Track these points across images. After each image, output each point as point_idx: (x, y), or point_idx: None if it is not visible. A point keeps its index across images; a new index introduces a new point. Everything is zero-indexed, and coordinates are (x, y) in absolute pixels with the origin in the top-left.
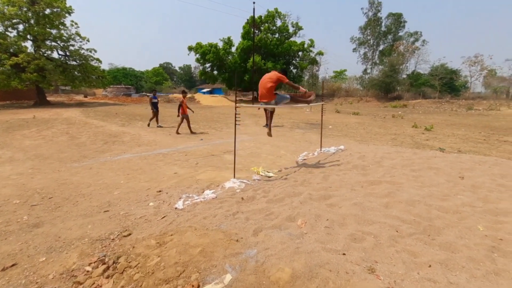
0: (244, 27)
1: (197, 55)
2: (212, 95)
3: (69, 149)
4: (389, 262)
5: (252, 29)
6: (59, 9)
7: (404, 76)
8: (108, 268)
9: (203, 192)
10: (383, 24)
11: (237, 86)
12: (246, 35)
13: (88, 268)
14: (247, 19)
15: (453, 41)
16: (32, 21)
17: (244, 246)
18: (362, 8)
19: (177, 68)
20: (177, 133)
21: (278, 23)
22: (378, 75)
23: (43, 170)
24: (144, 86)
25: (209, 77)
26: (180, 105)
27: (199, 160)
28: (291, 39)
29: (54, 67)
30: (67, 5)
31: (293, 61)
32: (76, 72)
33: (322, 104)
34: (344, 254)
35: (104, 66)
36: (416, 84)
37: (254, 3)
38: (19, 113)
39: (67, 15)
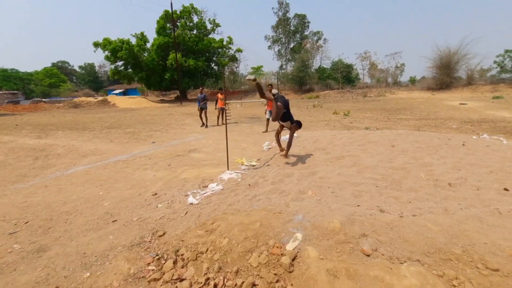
0: (158, 22)
1: (107, 52)
2: (128, 96)
3: None
4: (387, 204)
5: (171, 25)
6: None
7: (313, 70)
8: (176, 261)
9: (206, 186)
10: (291, 23)
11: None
12: (161, 30)
13: (152, 267)
14: (163, 14)
15: (348, 40)
16: None
17: (289, 215)
18: (272, 8)
19: (76, 68)
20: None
21: (195, 19)
22: (292, 70)
23: None
24: (35, 90)
25: (123, 77)
26: (217, 100)
27: (168, 162)
28: (210, 36)
29: None
30: None
31: (214, 58)
32: None
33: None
34: (358, 205)
35: None
36: (323, 78)
37: None
38: None
39: None
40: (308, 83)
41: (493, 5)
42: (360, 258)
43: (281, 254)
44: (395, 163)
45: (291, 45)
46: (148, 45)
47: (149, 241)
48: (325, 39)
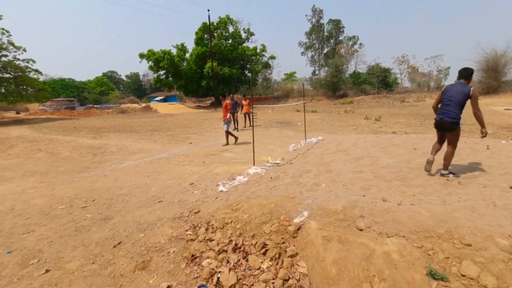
0: (197, 33)
1: (150, 63)
2: (168, 103)
3: (63, 163)
4: (392, 196)
5: (208, 36)
6: None
7: (347, 75)
8: (207, 229)
9: (234, 178)
10: (325, 29)
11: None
12: (199, 41)
13: (189, 233)
14: (201, 26)
15: (384, 43)
16: None
17: (301, 199)
18: (306, 15)
19: (123, 77)
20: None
21: (231, 29)
22: (326, 76)
23: (57, 183)
24: (88, 97)
25: (164, 85)
26: (242, 106)
27: (203, 160)
28: (244, 44)
29: None
30: None
31: (248, 66)
32: (13, 86)
33: (304, 103)
34: (364, 196)
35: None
36: (357, 82)
37: (208, 10)
38: None
39: None
40: (341, 88)
41: None
42: (353, 231)
43: (289, 225)
44: (413, 164)
45: (325, 51)
46: (187, 55)
47: (187, 216)
48: (360, 44)
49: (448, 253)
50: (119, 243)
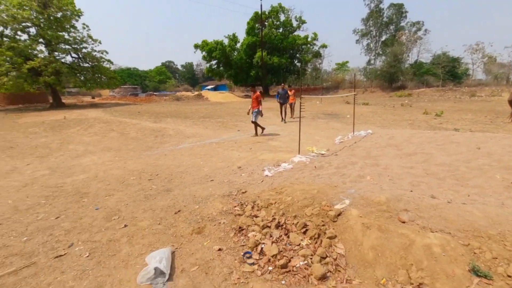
0: (248, 23)
1: (204, 53)
2: (218, 91)
3: (131, 142)
4: (441, 194)
5: (259, 26)
6: (69, 12)
7: (407, 65)
8: (253, 207)
9: (279, 165)
10: (384, 15)
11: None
12: (250, 31)
13: (237, 208)
14: (253, 15)
15: (454, 30)
16: (42, 25)
17: (343, 188)
18: (364, 0)
19: (179, 66)
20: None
21: (282, 17)
22: (382, 66)
23: (127, 158)
24: (149, 85)
25: (215, 74)
26: (288, 96)
27: (250, 146)
28: (295, 33)
29: (69, 69)
30: (76, 8)
31: (297, 55)
32: (90, 74)
33: (355, 94)
34: (411, 191)
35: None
36: (419, 73)
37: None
38: (44, 115)
39: (76, 17)
40: (399, 79)
41: None
42: (395, 222)
43: (329, 210)
44: (473, 164)
45: (383, 38)
46: (238, 45)
47: (235, 195)
48: (425, 30)
49: (496, 254)
50: (179, 211)
